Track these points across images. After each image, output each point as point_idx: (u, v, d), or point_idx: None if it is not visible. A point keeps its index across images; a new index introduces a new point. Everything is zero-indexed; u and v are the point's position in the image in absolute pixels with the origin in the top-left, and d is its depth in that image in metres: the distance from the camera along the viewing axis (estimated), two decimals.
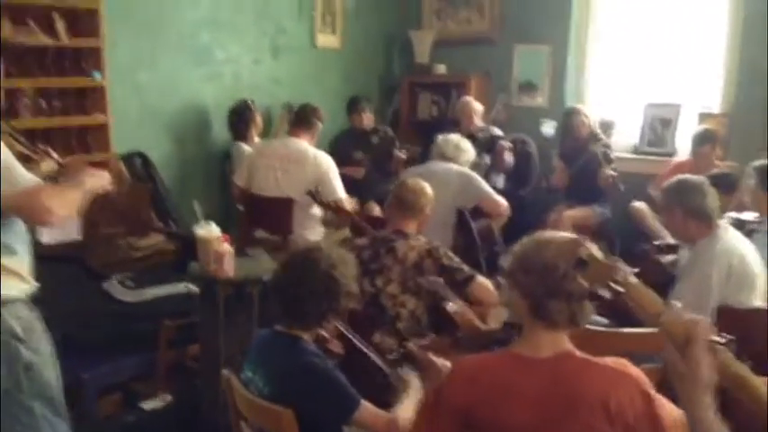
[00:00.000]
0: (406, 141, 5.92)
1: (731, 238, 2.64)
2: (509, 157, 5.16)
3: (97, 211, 3.61)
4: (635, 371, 1.58)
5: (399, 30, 6.26)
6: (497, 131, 5.31)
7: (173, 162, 4.68)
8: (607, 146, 4.98)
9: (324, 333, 2.14)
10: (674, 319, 1.14)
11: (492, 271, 3.64)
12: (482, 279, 2.77)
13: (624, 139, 5.57)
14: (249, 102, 4.80)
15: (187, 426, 2.79)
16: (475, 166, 5.22)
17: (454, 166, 3.94)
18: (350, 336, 2.17)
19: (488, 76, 5.96)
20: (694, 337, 1.10)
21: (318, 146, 5.20)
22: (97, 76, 3.89)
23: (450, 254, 2.76)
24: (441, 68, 6.07)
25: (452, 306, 2.63)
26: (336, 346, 2.17)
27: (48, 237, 3.19)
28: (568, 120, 5.12)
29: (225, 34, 4.91)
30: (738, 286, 2.56)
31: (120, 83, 4.23)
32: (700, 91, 5.28)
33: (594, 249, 1.30)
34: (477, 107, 5.33)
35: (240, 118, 4.73)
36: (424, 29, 6.22)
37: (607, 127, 5.57)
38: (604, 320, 2.74)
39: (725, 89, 5.11)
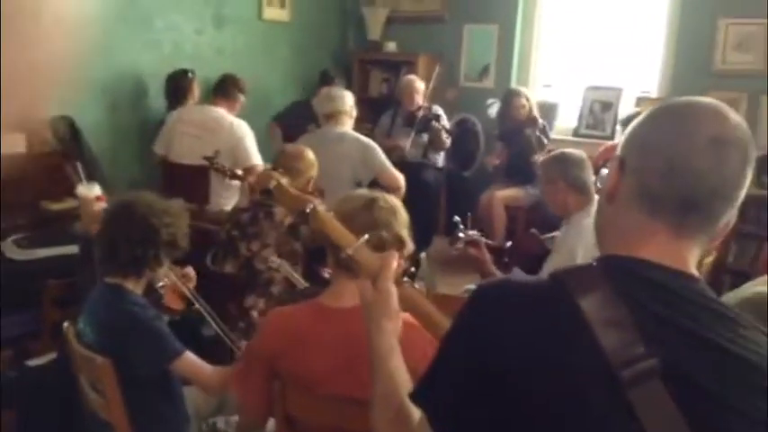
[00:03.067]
0: (357, 120, 5.93)
1: None
2: (446, 137, 5.16)
3: (6, 174, 3.64)
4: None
5: (352, 5, 6.25)
6: (439, 111, 5.31)
7: (105, 129, 4.68)
8: (543, 130, 4.99)
9: (163, 287, 2.18)
10: (368, 253, 1.18)
11: None
12: None
13: (568, 121, 5.58)
14: (189, 71, 4.80)
15: (67, 383, 2.83)
16: (414, 145, 5.29)
17: (349, 133, 3.92)
18: (190, 295, 2.20)
19: (439, 55, 5.96)
20: (384, 269, 1.14)
21: (263, 117, 5.26)
22: None
23: None
24: (391, 46, 6.07)
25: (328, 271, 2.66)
26: (175, 302, 2.20)
27: None
28: (508, 101, 5.13)
29: (165, 1, 4.90)
30: None
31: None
32: (640, 75, 5.29)
33: (284, 181, 1.33)
34: (419, 86, 5.32)
35: (177, 86, 4.72)
36: (377, 5, 6.21)
37: (550, 109, 5.59)
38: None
39: (662, 73, 5.13)
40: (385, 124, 5.51)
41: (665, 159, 0.92)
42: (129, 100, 4.82)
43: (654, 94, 5.17)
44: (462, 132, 5.79)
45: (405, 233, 1.70)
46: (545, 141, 4.93)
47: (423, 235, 3.99)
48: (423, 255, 3.97)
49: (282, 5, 5.77)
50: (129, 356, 1.90)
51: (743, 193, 0.94)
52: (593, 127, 5.39)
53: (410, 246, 1.71)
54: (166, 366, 1.93)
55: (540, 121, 5.04)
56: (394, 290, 1.15)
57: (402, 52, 6.04)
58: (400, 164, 5.12)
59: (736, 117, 0.95)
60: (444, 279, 4.31)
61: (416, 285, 2.86)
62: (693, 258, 0.96)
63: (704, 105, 0.96)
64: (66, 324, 2.04)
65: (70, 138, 4.31)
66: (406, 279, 1.19)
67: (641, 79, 5.29)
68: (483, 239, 2.67)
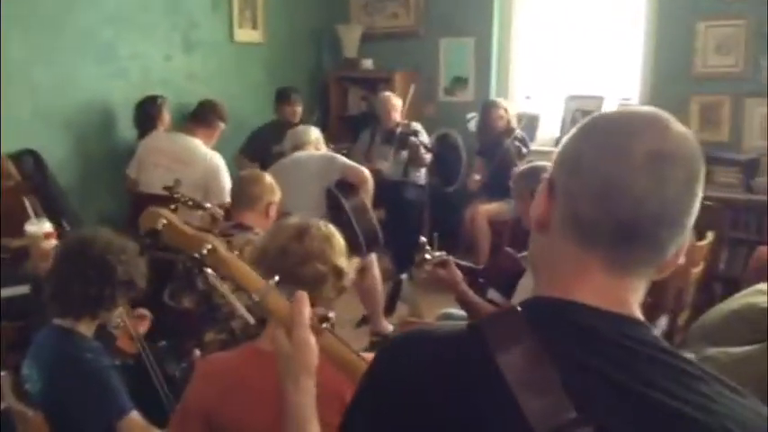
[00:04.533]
0: (335, 137, 5.82)
1: None
2: (426, 153, 5.05)
3: None
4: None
5: (326, 24, 6.15)
6: (417, 127, 5.20)
7: (72, 162, 4.56)
8: (522, 140, 4.88)
9: (116, 329, 2.04)
10: (277, 298, 1.05)
11: (371, 246, 3.59)
12: None
13: (549, 132, 5.47)
14: (158, 97, 4.67)
15: None
16: (394, 162, 5.17)
17: (317, 152, 3.91)
18: (138, 343, 2.06)
19: (416, 70, 5.86)
20: (297, 316, 1.00)
21: (237, 140, 5.13)
22: None
23: None
24: (368, 63, 5.97)
25: None
26: (128, 345, 2.06)
27: None
28: (486, 113, 5.03)
29: (130, 30, 4.79)
30: None
31: (12, 81, 4.12)
32: (621, 83, 5.19)
33: (175, 219, 1.19)
34: (396, 102, 5.22)
35: (146, 113, 4.59)
36: (352, 23, 6.12)
37: (532, 120, 5.48)
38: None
39: (643, 80, 5.02)
40: (364, 142, 5.40)
41: (598, 180, 0.77)
42: (96, 131, 4.69)
43: (635, 100, 5.06)
44: (443, 148, 5.67)
45: (342, 262, 1.57)
46: (524, 151, 4.82)
47: (405, 255, 3.87)
48: (404, 276, 3.84)
49: (254, 27, 5.67)
50: (72, 408, 1.75)
51: (692, 218, 0.80)
52: None
53: (349, 276, 1.58)
54: (111, 423, 1.79)
55: (518, 131, 4.93)
56: (312, 341, 1.01)
57: (378, 69, 5.93)
58: (381, 183, 5.03)
59: (679, 128, 0.80)
60: (428, 301, 4.17)
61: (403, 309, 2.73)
62: (637, 297, 0.80)
63: (641, 116, 0.81)
64: (3, 373, 1.90)
65: (35, 172, 4.18)
66: (325, 325, 1.05)
67: (622, 86, 5.18)
68: (451, 259, 2.53)
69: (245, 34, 5.58)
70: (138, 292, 1.98)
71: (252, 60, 5.67)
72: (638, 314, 0.80)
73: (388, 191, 4.99)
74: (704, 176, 0.80)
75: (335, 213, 3.57)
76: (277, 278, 1.08)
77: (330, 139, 5.49)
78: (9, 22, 4.05)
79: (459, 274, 2.51)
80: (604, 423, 0.70)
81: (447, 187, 5.67)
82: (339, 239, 1.60)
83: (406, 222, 5.00)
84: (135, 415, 1.80)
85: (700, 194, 0.79)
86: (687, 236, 0.81)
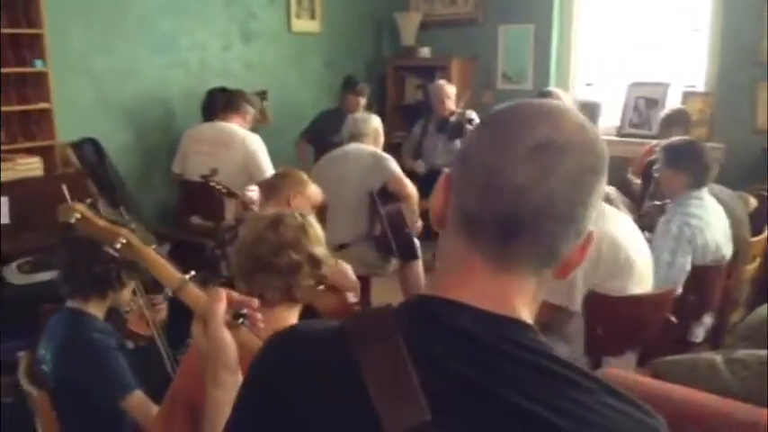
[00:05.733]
0: (393, 127, 5.81)
1: (605, 222, 2.44)
2: None
3: (23, 198, 3.69)
4: None
5: (385, 12, 6.12)
6: (472, 115, 5.12)
7: (131, 150, 4.72)
8: None
9: (128, 312, 2.10)
10: (193, 293, 1.04)
11: (407, 255, 3.53)
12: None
13: (611, 120, 5.29)
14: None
15: None
16: (447, 151, 5.11)
17: (368, 147, 3.80)
18: (152, 326, 2.11)
19: (474, 58, 5.77)
20: (211, 313, 1.00)
21: (294, 131, 5.18)
22: (38, 64, 3.94)
23: None
24: (425, 51, 5.91)
25: None
26: (141, 327, 2.11)
27: None
28: None
29: (189, 21, 4.91)
30: (609, 273, 2.36)
31: (73, 71, 4.29)
32: (685, 69, 4.96)
33: (89, 213, 1.19)
34: (450, 91, 5.14)
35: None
36: (411, 10, 6.07)
37: (593, 109, 5.31)
38: None
39: (709, 66, 4.78)
40: (416, 133, 5.35)
41: (481, 173, 0.73)
42: (155, 120, 4.84)
43: (701, 88, 4.83)
44: None
45: (318, 250, 1.56)
46: None
47: None
48: None
49: (312, 17, 5.71)
50: (77, 387, 1.82)
51: (588, 212, 0.74)
52: (639, 125, 5.08)
53: (327, 264, 1.57)
54: (115, 402, 1.84)
55: None
56: (228, 338, 1.01)
57: (435, 57, 5.87)
58: (432, 172, 4.98)
59: (576, 119, 0.75)
60: None
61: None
62: (525, 298, 0.76)
63: (534, 108, 0.77)
64: (21, 353, 1.99)
65: (94, 160, 4.35)
66: (241, 321, 1.04)
67: (687, 73, 4.94)
68: None
69: (302, 24, 5.63)
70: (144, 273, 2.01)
71: (309, 50, 5.72)
72: (524, 316, 0.76)
73: (438, 180, 4.94)
74: (606, 168, 0.75)
75: (375, 218, 3.54)
76: (193, 272, 1.07)
77: (387, 128, 5.49)
78: (70, 13, 4.22)
79: None
80: (458, 428, 0.67)
81: None
82: (315, 229, 1.60)
83: None
84: (139, 394, 1.85)
85: (599, 188, 0.74)
86: (585, 231, 0.76)
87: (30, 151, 3.96)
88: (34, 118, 4.04)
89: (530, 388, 0.68)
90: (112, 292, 2.00)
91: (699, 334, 2.89)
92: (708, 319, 2.94)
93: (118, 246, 1.14)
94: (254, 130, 4.34)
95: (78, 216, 1.16)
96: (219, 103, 4.51)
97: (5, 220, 3.60)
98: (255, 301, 1.05)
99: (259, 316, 1.05)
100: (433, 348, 0.71)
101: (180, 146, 4.22)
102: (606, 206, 2.53)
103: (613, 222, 2.46)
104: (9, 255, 3.41)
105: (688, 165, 2.84)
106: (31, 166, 3.77)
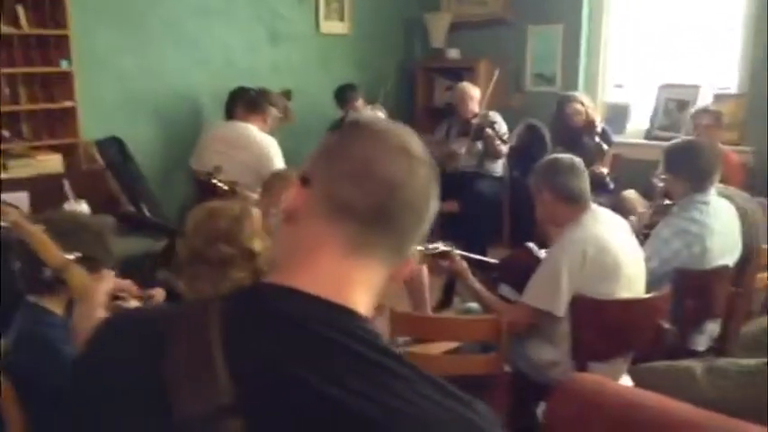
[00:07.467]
0: (421, 130, 5.76)
1: (595, 224, 2.38)
2: (500, 145, 4.91)
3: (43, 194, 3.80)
4: None
5: (415, 13, 6.10)
6: (495, 117, 5.05)
7: (157, 149, 4.81)
8: (603, 135, 4.60)
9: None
10: (76, 274, 1.05)
11: None
12: None
13: (640, 123, 5.16)
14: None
15: None
16: (470, 154, 5.06)
17: None
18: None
19: (501, 59, 5.70)
20: (90, 293, 1.01)
21: (321, 133, 5.19)
22: (64, 64, 4.06)
23: None
24: (454, 53, 5.88)
25: None
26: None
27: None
28: (560, 109, 4.75)
29: (215, 22, 4.98)
30: (596, 276, 2.30)
31: (99, 70, 4.41)
32: (717, 72, 4.80)
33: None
34: (474, 93, 5.09)
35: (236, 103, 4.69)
36: (441, 11, 6.04)
37: (622, 111, 5.20)
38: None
39: (742, 68, 4.61)
40: (440, 135, 5.32)
41: (359, 163, 0.81)
42: (181, 120, 4.92)
43: (733, 89, 4.67)
44: (528, 138, 5.49)
45: (254, 244, 1.55)
46: (605, 148, 4.55)
47: (476, 247, 3.76)
48: None
49: (341, 18, 5.73)
50: (31, 380, 1.86)
51: (430, 215, 0.84)
52: (668, 128, 4.94)
53: (265, 257, 1.56)
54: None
55: (600, 125, 4.66)
56: (93, 317, 1.02)
57: (463, 58, 5.82)
58: (454, 174, 4.94)
59: (419, 140, 0.88)
60: None
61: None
62: (366, 288, 0.80)
63: (383, 122, 0.93)
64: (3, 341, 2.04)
65: (117, 158, 4.45)
66: (118, 303, 1.05)
67: (719, 75, 4.79)
68: (454, 250, 2.46)
69: (331, 26, 5.65)
70: (98, 268, 2.02)
71: (338, 52, 5.74)
72: (359, 305, 0.78)
73: (461, 182, 4.91)
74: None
75: None
76: (77, 254, 1.09)
77: (416, 131, 5.43)
78: (96, 14, 4.34)
79: (462, 264, 2.43)
80: (262, 412, 0.67)
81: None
82: (253, 221, 1.59)
83: (479, 214, 4.88)
84: None
85: (435, 205, 0.84)
86: (422, 236, 0.83)
87: (53, 148, 4.08)
88: (59, 116, 4.17)
89: (345, 377, 0.69)
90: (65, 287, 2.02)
91: (700, 342, 2.78)
92: (712, 327, 2.83)
93: (4, 223, 1.16)
94: (277, 129, 4.38)
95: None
96: (241, 102, 4.59)
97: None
98: (134, 287, 1.06)
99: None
100: (248, 335, 0.72)
101: (198, 142, 4.29)
102: (599, 209, 2.48)
103: (604, 225, 2.39)
104: None
105: (686, 168, 2.75)
106: (51, 163, 3.88)
